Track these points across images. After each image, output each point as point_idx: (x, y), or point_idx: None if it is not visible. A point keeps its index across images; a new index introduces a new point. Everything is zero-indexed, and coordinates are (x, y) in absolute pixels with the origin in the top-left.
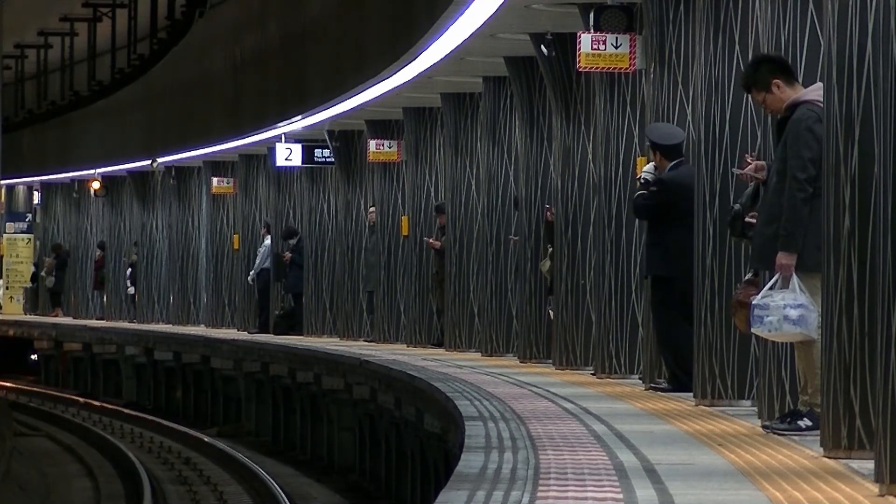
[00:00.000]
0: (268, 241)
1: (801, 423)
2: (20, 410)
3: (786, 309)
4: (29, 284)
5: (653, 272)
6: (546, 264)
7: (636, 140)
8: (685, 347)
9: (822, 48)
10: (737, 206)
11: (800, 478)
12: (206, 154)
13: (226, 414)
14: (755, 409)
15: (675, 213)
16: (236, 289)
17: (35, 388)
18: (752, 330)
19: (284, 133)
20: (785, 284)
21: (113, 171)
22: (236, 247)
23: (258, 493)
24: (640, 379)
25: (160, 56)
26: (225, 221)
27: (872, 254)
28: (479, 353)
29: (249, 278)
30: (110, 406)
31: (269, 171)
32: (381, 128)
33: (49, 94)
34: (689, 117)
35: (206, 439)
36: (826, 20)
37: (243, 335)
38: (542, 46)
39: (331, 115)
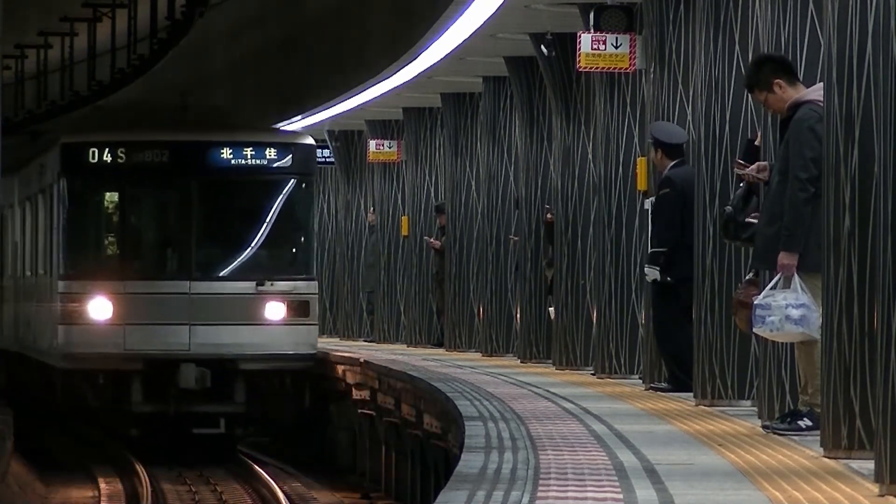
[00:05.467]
0: None
1: (801, 423)
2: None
3: (787, 309)
4: None
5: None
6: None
7: (636, 140)
8: (685, 347)
9: (822, 48)
10: (728, 209)
11: (800, 478)
12: None
13: None
14: (755, 409)
15: (687, 211)
16: None
17: None
18: (754, 330)
19: None
20: (787, 284)
21: None
22: None
23: (258, 493)
24: (640, 379)
25: (160, 56)
26: None
27: (872, 254)
28: (480, 353)
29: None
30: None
31: None
32: (381, 128)
33: (49, 94)
34: (689, 117)
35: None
36: (826, 20)
37: None
38: (542, 46)
39: (331, 115)
